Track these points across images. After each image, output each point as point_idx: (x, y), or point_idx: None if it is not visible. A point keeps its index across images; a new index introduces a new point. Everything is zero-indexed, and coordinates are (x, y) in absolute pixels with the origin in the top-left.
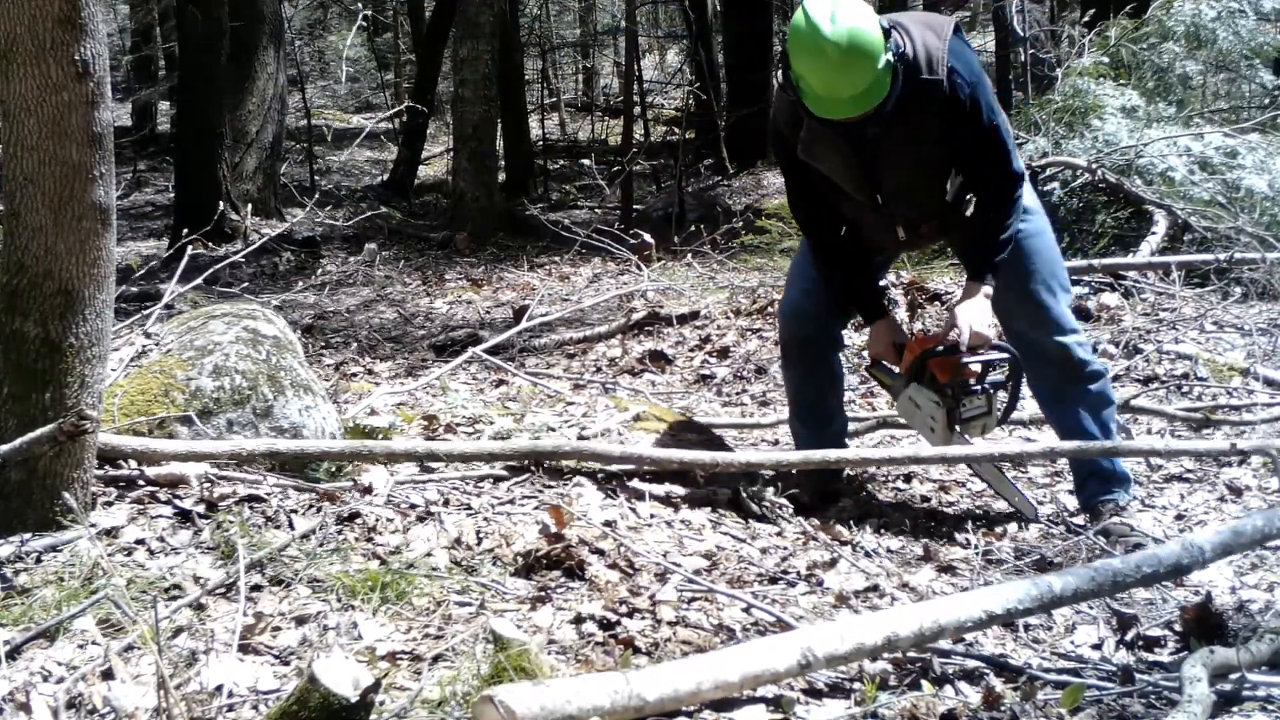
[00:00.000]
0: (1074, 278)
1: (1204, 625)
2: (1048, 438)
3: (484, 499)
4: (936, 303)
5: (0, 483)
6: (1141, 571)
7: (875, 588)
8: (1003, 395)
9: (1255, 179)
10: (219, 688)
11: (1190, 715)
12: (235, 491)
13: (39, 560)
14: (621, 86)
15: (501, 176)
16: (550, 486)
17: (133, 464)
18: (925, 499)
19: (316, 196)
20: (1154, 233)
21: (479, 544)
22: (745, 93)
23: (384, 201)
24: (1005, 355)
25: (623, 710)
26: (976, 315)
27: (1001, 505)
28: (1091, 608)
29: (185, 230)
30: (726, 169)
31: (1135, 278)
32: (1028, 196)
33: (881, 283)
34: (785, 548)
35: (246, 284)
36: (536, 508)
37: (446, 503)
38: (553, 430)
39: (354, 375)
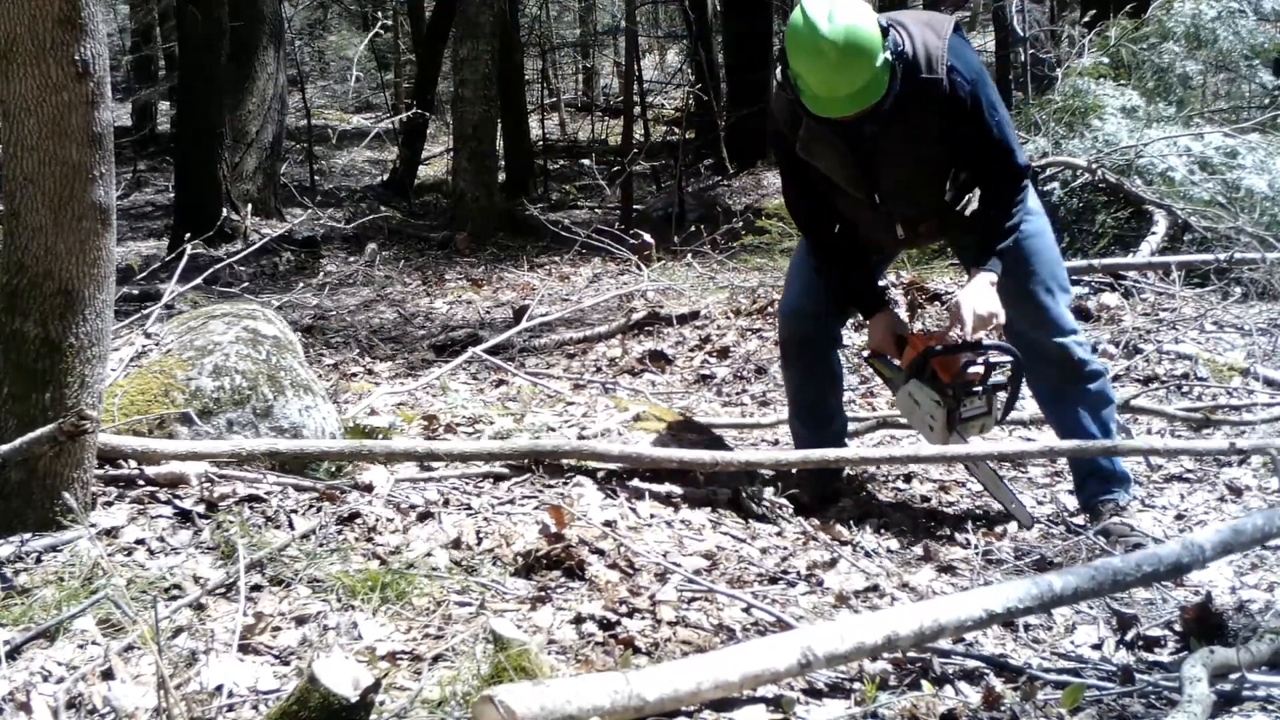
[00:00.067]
0: (1074, 278)
1: (1204, 625)
2: (1047, 438)
3: (484, 499)
4: (936, 303)
5: (0, 483)
6: (1142, 570)
7: (875, 588)
8: (1002, 395)
9: (1255, 179)
10: (219, 688)
11: (1190, 715)
12: (235, 491)
13: (39, 560)
14: (621, 86)
15: (501, 176)
16: (550, 486)
17: (133, 464)
18: (925, 499)
19: (317, 197)
20: (1154, 233)
21: (479, 544)
22: (745, 93)
23: (384, 201)
24: (1008, 357)
25: (623, 710)
26: (980, 299)
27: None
28: (1091, 608)
29: (185, 231)
30: (726, 169)
31: (1135, 278)
32: (1029, 196)
33: (881, 283)
34: (785, 548)
35: (246, 284)
36: (536, 508)
37: (446, 503)
38: (553, 430)
39: (354, 375)
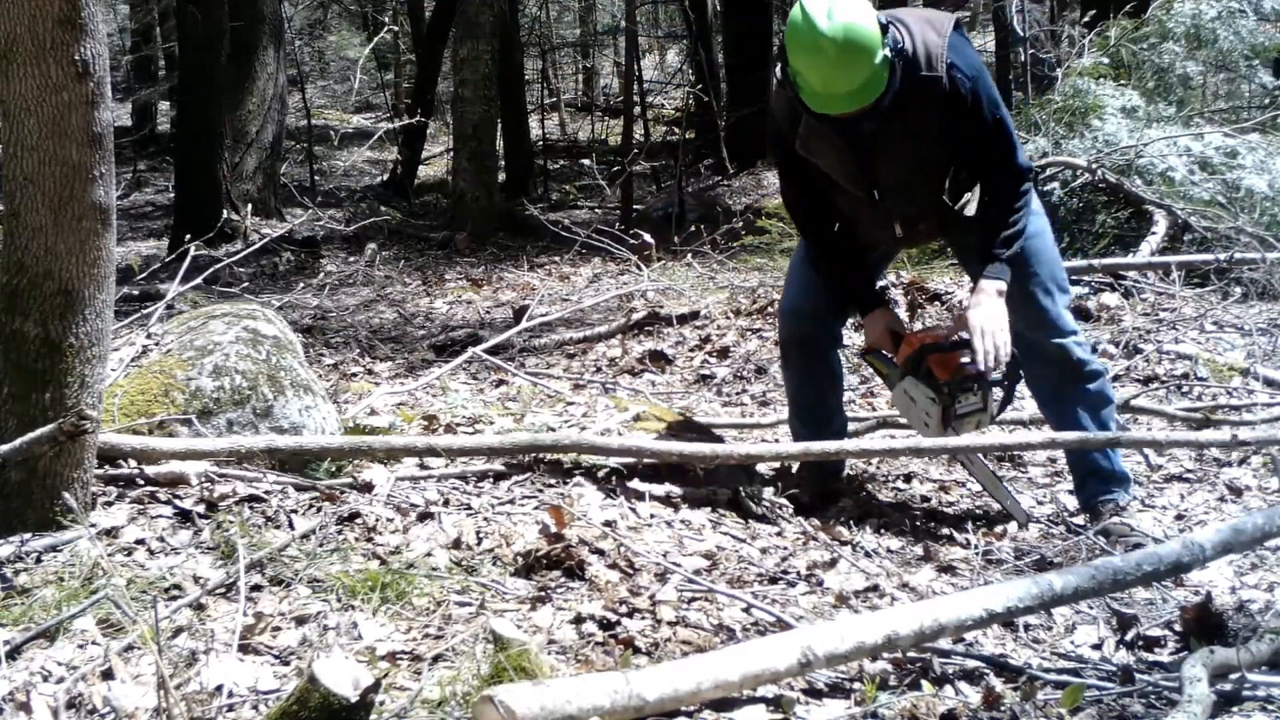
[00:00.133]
0: (1074, 278)
1: (1204, 625)
2: (1048, 433)
3: (484, 499)
4: (936, 303)
5: (0, 483)
6: (1142, 570)
7: (875, 588)
8: (998, 392)
9: (1255, 179)
10: (219, 688)
11: (1190, 715)
12: (235, 491)
13: (39, 560)
14: (621, 86)
15: (501, 176)
16: (550, 486)
17: (133, 463)
18: (925, 499)
19: (318, 198)
20: (1154, 233)
21: (479, 544)
22: (745, 93)
23: (384, 201)
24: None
25: (623, 710)
26: (992, 323)
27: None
28: (1091, 607)
29: (185, 231)
30: (726, 169)
31: (1135, 278)
32: (1032, 198)
33: (881, 283)
34: (785, 548)
35: (246, 284)
36: (536, 508)
37: (446, 502)
38: (553, 430)
39: (354, 375)
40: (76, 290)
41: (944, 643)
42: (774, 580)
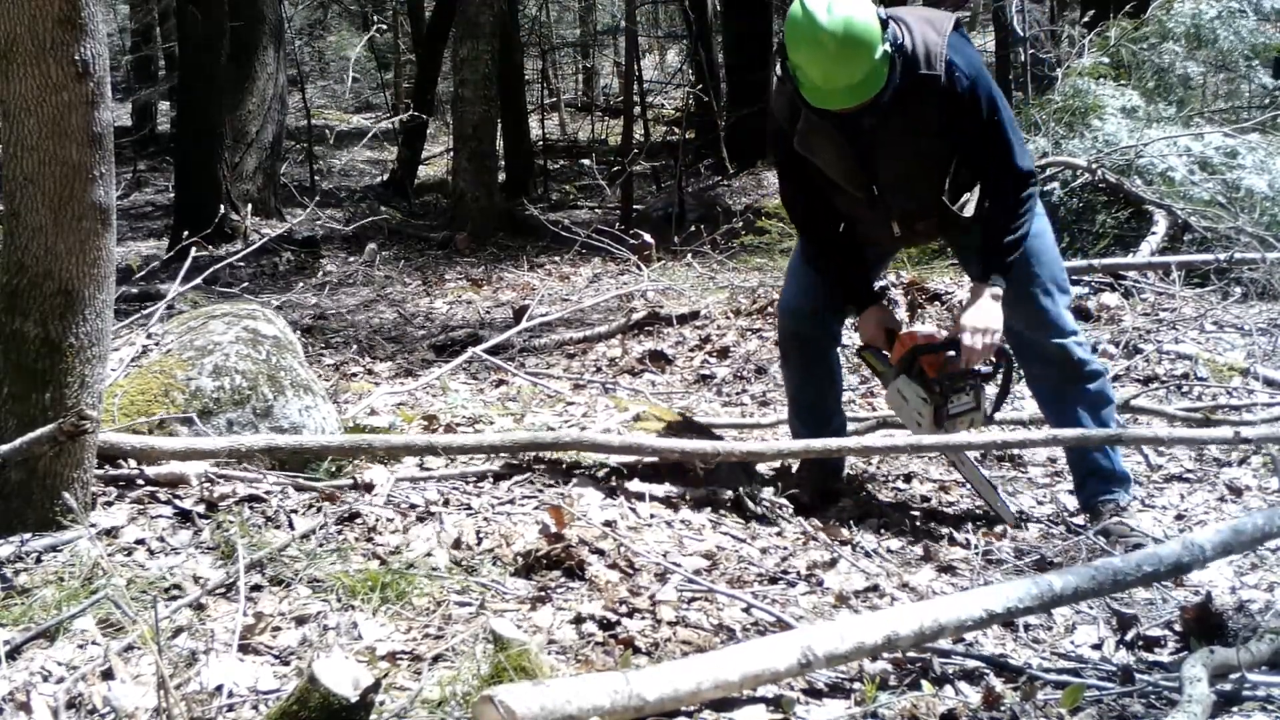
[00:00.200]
0: (1074, 278)
1: (1204, 625)
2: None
3: (484, 499)
4: (936, 302)
5: (0, 483)
6: (1142, 570)
7: (875, 588)
8: (991, 392)
9: (1255, 179)
10: (219, 688)
11: (1190, 715)
12: (235, 491)
13: (39, 560)
14: (621, 86)
15: (501, 176)
16: (550, 486)
17: (133, 463)
18: (925, 499)
19: (317, 197)
20: (1154, 233)
21: (479, 544)
22: (745, 93)
23: (384, 201)
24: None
25: (623, 710)
26: (984, 323)
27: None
28: (1091, 608)
29: (185, 231)
30: (726, 169)
31: (1135, 278)
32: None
33: (881, 283)
34: (785, 548)
35: (246, 284)
36: (536, 508)
37: (446, 502)
38: (552, 429)
39: (354, 375)
40: (76, 290)
41: (944, 643)
42: (774, 580)
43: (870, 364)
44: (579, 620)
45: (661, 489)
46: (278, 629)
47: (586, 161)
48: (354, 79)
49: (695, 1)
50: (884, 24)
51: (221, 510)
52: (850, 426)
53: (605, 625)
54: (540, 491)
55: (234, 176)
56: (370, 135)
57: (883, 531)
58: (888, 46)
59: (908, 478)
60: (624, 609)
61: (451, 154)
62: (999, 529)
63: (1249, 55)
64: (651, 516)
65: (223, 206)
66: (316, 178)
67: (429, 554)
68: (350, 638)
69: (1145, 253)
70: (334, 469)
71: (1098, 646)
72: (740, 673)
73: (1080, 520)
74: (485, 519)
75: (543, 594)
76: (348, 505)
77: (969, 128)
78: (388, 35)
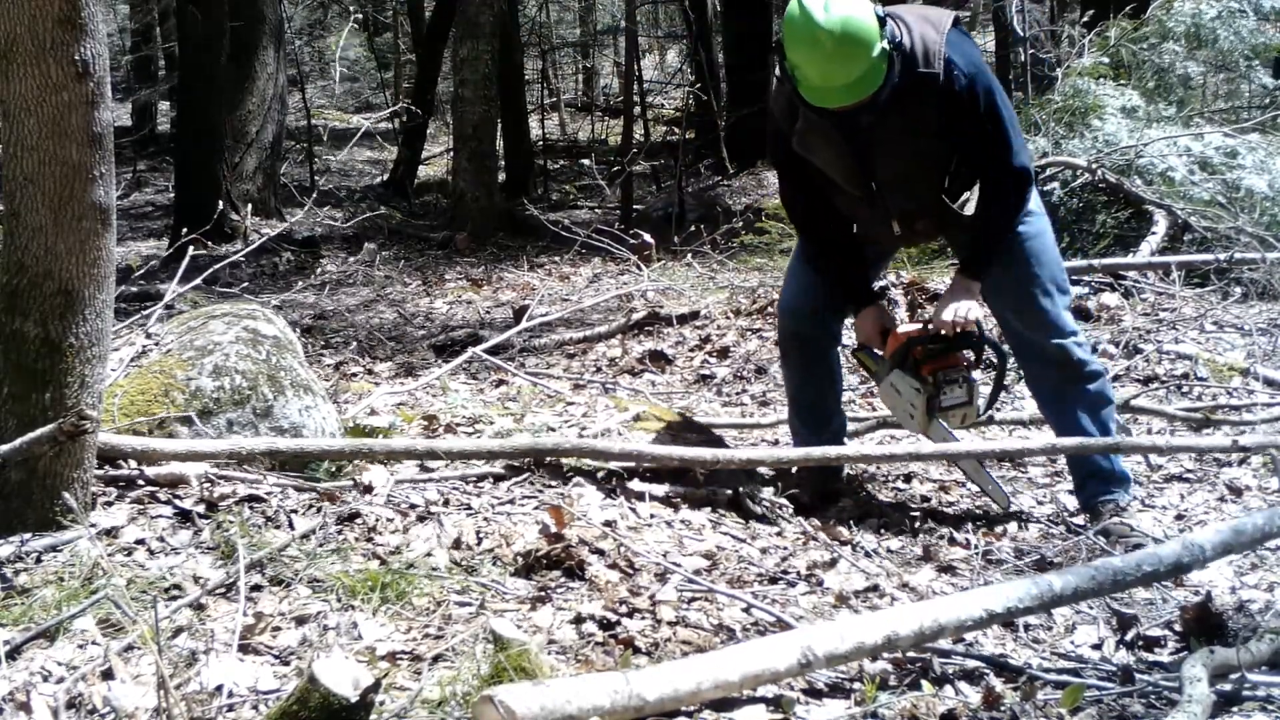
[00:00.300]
0: (1074, 278)
1: (1204, 625)
2: (1048, 437)
3: (484, 499)
4: (936, 302)
5: (0, 483)
6: (1142, 570)
7: (875, 588)
8: (985, 388)
9: (1255, 179)
10: (219, 688)
11: (1190, 715)
12: (235, 491)
13: (39, 560)
14: (621, 86)
15: (501, 176)
16: (550, 486)
17: (133, 464)
18: (925, 499)
19: (315, 196)
20: (1154, 233)
21: (479, 544)
22: (745, 93)
23: (384, 201)
24: (987, 341)
25: (623, 710)
26: (960, 304)
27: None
28: (1091, 608)
29: (185, 230)
30: (726, 169)
31: (1135, 278)
32: (1031, 199)
33: (881, 283)
34: (785, 548)
35: (246, 284)
36: (536, 508)
37: (446, 503)
38: (553, 430)
39: (354, 375)
40: (76, 290)
41: (944, 643)
42: (774, 580)
43: (864, 364)
44: (579, 620)
45: (662, 489)
46: (278, 629)
47: (586, 161)
48: (354, 79)
49: (695, 1)
50: (882, 22)
51: (221, 510)
52: (850, 427)
53: (605, 625)
54: (540, 491)
55: (234, 176)
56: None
57: (883, 531)
58: (885, 44)
59: (907, 478)
60: (624, 609)
61: (451, 154)
62: (999, 529)
63: (1249, 55)
64: (651, 516)
65: (222, 206)
66: (316, 178)
67: (429, 554)
68: (350, 638)
69: (1145, 253)
70: (334, 469)
71: (1098, 646)
72: (740, 673)
73: (1080, 520)
74: (485, 519)
75: (543, 594)
76: (348, 505)
77: (968, 127)
78: (388, 35)
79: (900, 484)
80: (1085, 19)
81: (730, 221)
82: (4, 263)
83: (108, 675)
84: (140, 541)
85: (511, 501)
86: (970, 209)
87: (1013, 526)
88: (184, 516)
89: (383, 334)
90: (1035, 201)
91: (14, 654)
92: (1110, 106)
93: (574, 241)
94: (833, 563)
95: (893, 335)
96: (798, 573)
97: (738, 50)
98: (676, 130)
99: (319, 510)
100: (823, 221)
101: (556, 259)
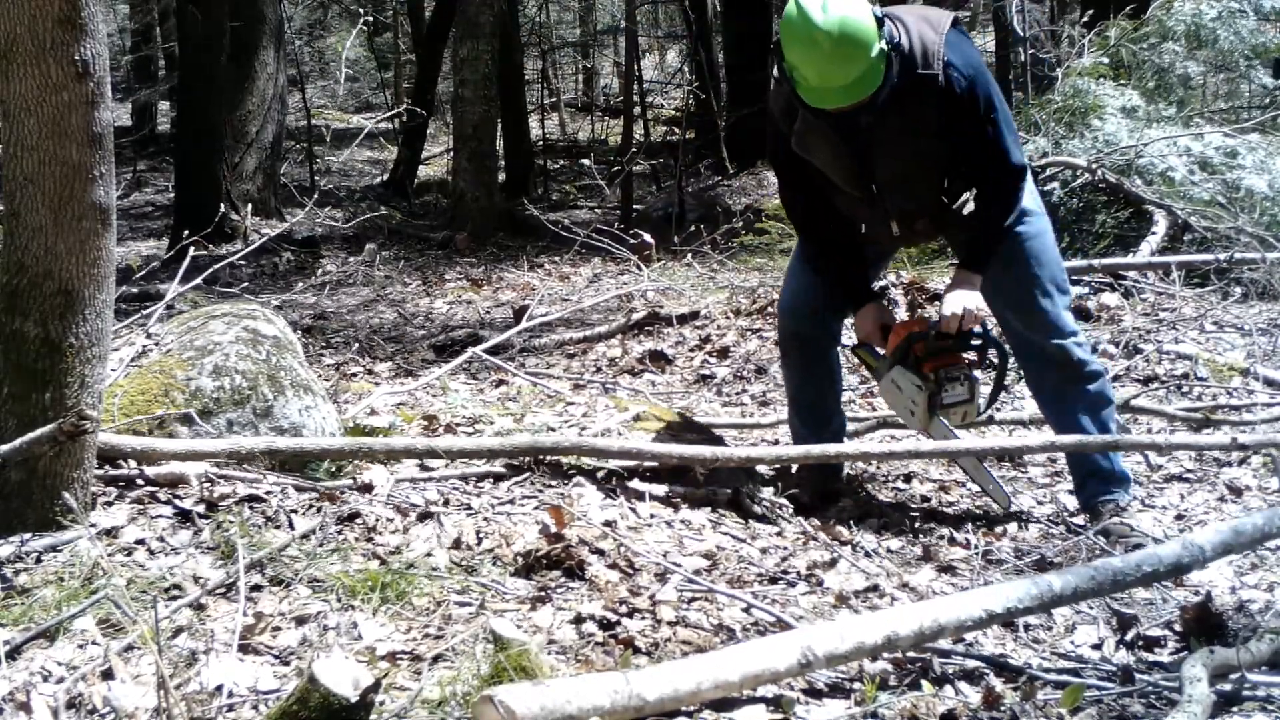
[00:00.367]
0: (1074, 278)
1: (1204, 625)
2: (1047, 436)
3: (484, 499)
4: (937, 302)
5: (0, 483)
6: (1142, 570)
7: (875, 588)
8: (986, 387)
9: (1255, 179)
10: (219, 688)
11: (1190, 715)
12: (235, 491)
13: (39, 560)
14: (621, 86)
15: (501, 176)
16: (550, 486)
17: (133, 464)
18: (925, 499)
19: (316, 196)
20: (1154, 233)
21: (479, 544)
22: (745, 93)
23: (384, 201)
24: (986, 338)
25: (623, 710)
26: (966, 304)
27: None
28: (1091, 608)
29: (185, 231)
30: (726, 169)
31: (1135, 278)
32: (1029, 197)
33: (881, 283)
34: (785, 548)
35: (246, 284)
36: (536, 508)
37: (446, 503)
38: (553, 430)
39: (354, 375)
40: (76, 290)
41: (944, 643)
42: (774, 580)
43: (865, 361)
44: (579, 620)
45: (661, 489)
46: (278, 629)
47: (586, 161)
48: (354, 79)
49: (695, 1)
50: (880, 22)
51: (221, 510)
52: (850, 427)
53: (605, 625)
54: (540, 491)
55: (234, 176)
56: (364, 134)
57: (883, 531)
58: (884, 45)
59: (908, 478)
60: (624, 609)
61: (451, 154)
62: (999, 529)
63: (1249, 55)
64: (651, 516)
65: (223, 206)
66: (316, 178)
67: (429, 554)
68: (350, 638)
69: (1145, 253)
70: (334, 469)
71: (1098, 646)
72: (740, 673)
73: (1080, 520)
74: (485, 519)
75: (543, 594)
76: (348, 505)
77: (968, 128)
78: (388, 35)
79: (900, 484)
80: (1085, 19)
81: (730, 221)
82: (4, 263)
83: (108, 675)
84: (140, 541)
85: (511, 501)
86: (970, 208)
87: (1013, 526)
88: (184, 516)
89: (383, 334)
90: (1035, 201)
91: (14, 654)
92: (1110, 106)
93: (574, 241)
94: (833, 563)
95: (893, 332)
96: (798, 573)
97: (738, 50)
98: (676, 130)
99: (319, 510)
100: (822, 221)
101: (556, 259)
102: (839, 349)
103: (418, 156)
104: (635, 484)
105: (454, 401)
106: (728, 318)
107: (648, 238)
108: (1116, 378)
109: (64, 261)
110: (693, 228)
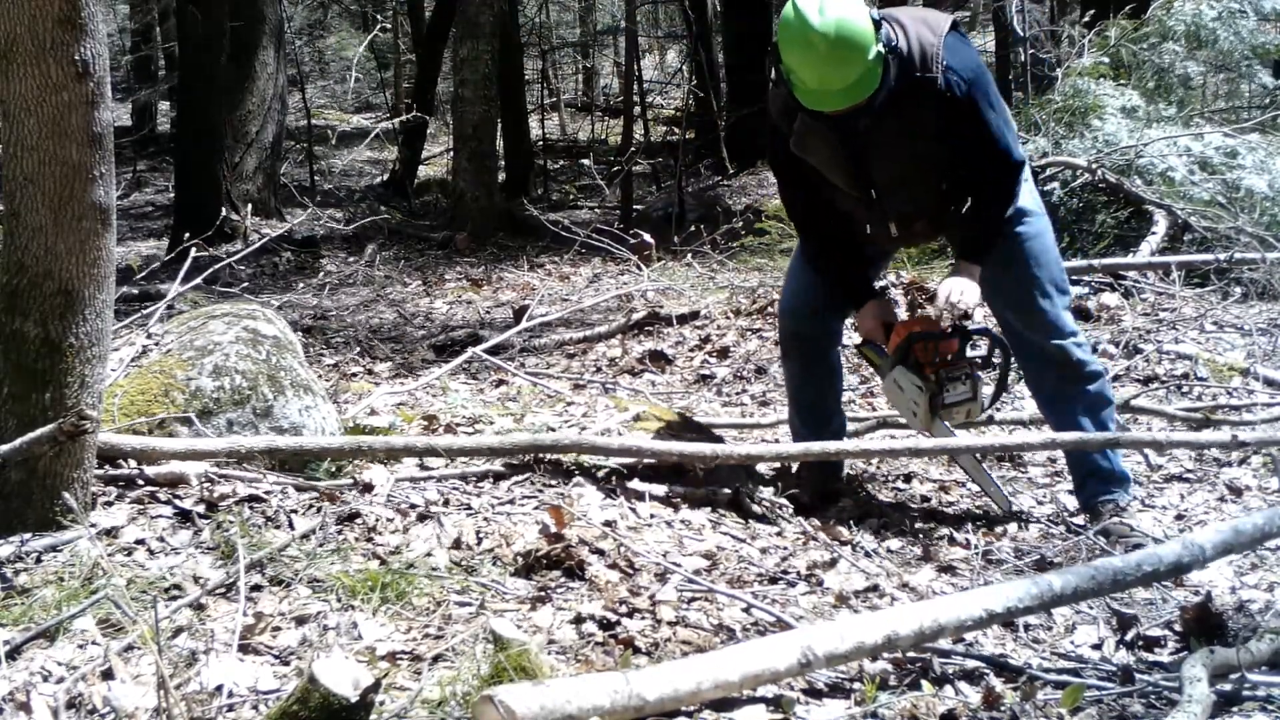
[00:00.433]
0: (1074, 278)
1: (1204, 625)
2: (1047, 434)
3: (484, 499)
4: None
5: (0, 483)
6: (1142, 570)
7: (875, 588)
8: (988, 389)
9: (1255, 179)
10: (219, 688)
11: (1190, 715)
12: (235, 491)
13: (39, 560)
14: (621, 86)
15: (501, 176)
16: (550, 486)
17: (133, 464)
18: (925, 499)
19: (317, 198)
20: (1154, 233)
21: (479, 544)
22: (745, 93)
23: (384, 201)
24: (988, 337)
25: (623, 710)
26: (962, 288)
27: None
28: (1091, 607)
29: (185, 231)
30: (726, 169)
31: (1135, 278)
32: (1028, 197)
33: (881, 283)
34: (785, 548)
35: (246, 284)
36: (536, 508)
37: (446, 503)
38: (553, 430)
39: (354, 375)
40: (76, 290)
41: (944, 643)
42: (774, 580)
43: (869, 359)
44: (579, 620)
45: (661, 489)
46: (278, 629)
47: (586, 161)
48: (355, 79)
49: (695, 1)
50: (877, 25)
51: (221, 510)
52: (850, 426)
53: (605, 625)
54: (540, 491)
55: (234, 176)
56: (372, 136)
57: (883, 531)
58: (881, 48)
59: (908, 478)
60: (624, 609)
61: (451, 154)
62: (999, 529)
63: (1249, 55)
64: (651, 516)
65: (223, 207)
66: (316, 178)
67: (429, 554)
68: (350, 638)
69: (1145, 253)
70: (334, 469)
71: (1098, 646)
72: (740, 673)
73: (1080, 520)
74: (485, 519)
75: (543, 594)
76: (348, 505)
77: (967, 130)
78: (388, 35)
79: (900, 484)
80: (1085, 19)
81: (730, 221)
82: (4, 263)
83: (108, 675)
84: (140, 541)
85: (511, 501)
86: (969, 207)
87: (1013, 526)
88: (184, 516)
89: (383, 334)
90: (1035, 201)
91: (14, 654)
92: (1110, 106)
93: (574, 241)
94: (833, 563)
95: (895, 329)
96: (798, 573)
97: (738, 50)
98: (676, 130)
99: (319, 510)
100: (822, 221)
101: (556, 259)
102: (839, 349)
103: (418, 156)
104: (635, 484)
105: (454, 401)
106: (728, 318)
107: (648, 238)
108: (1116, 378)
109: (64, 261)
110: (693, 228)
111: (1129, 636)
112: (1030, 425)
